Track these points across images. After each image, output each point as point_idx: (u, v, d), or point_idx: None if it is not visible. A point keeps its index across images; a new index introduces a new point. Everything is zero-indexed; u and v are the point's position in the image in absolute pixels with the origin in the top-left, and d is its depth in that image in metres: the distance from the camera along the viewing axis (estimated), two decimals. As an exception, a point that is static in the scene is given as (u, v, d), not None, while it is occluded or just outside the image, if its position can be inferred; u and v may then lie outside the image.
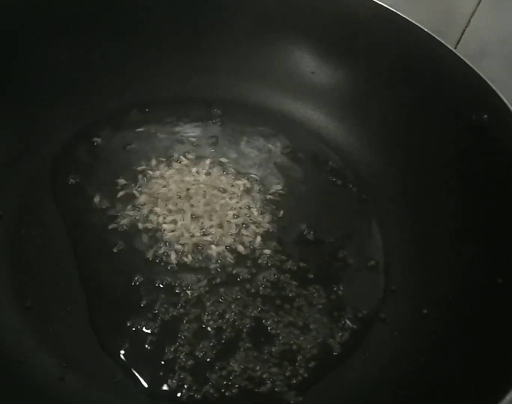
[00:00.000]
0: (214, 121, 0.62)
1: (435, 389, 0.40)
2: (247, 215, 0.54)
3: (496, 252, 0.45)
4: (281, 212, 0.55)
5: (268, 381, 0.43)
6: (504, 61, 0.73)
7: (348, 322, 0.47)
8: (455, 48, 0.77)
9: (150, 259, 0.49)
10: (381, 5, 0.57)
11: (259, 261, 0.50)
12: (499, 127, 0.49)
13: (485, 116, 0.50)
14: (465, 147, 0.52)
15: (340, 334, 0.47)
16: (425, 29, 0.56)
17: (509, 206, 0.46)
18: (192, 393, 0.42)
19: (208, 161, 0.58)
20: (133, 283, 0.47)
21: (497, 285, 0.43)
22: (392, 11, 0.56)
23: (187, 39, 0.63)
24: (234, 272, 0.49)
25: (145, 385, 0.42)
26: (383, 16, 0.56)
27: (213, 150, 0.59)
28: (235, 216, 0.53)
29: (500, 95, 0.50)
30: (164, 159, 0.57)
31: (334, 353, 0.45)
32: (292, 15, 0.61)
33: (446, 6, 0.69)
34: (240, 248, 0.51)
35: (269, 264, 0.50)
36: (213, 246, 0.50)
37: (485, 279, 0.44)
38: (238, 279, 0.49)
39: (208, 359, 0.43)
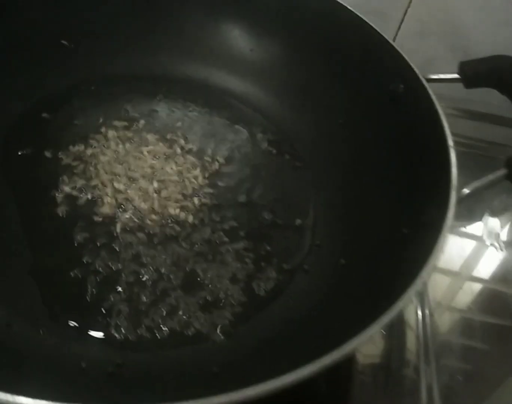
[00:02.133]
0: (158, 97, 0.66)
1: (346, 328, 0.45)
2: (185, 180, 0.58)
3: (405, 207, 0.50)
4: (219, 178, 0.59)
5: (196, 324, 0.47)
6: (444, 39, 0.78)
7: (273, 272, 0.52)
8: (399, 28, 0.82)
9: (94, 222, 0.53)
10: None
11: (196, 222, 0.55)
12: (413, 96, 0.54)
13: (402, 86, 0.55)
14: (385, 114, 0.57)
15: (265, 283, 0.51)
16: (352, 9, 0.60)
17: (419, 165, 0.51)
18: (128, 335, 0.46)
19: (152, 135, 0.62)
20: (75, 243, 0.51)
21: (402, 235, 0.48)
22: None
23: (133, 19, 0.67)
24: (171, 232, 0.53)
25: (86, 330, 0.46)
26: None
27: (157, 125, 0.63)
28: (172, 182, 0.57)
29: (413, 67, 0.55)
30: (107, 132, 0.61)
31: (259, 299, 0.50)
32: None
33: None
34: (177, 212, 0.55)
35: (204, 224, 0.54)
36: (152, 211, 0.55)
37: (393, 233, 0.49)
38: (174, 238, 0.53)
39: (143, 307, 0.48)
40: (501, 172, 0.46)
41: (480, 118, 0.78)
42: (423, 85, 0.53)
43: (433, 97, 0.51)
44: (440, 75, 0.54)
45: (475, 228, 0.67)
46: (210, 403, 0.31)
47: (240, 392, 0.31)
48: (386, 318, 0.36)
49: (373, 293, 0.44)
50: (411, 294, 0.37)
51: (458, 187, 0.44)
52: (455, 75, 0.54)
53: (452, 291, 0.61)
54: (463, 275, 0.63)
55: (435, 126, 0.49)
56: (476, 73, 0.51)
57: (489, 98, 0.64)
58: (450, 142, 0.47)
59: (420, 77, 0.54)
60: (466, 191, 0.45)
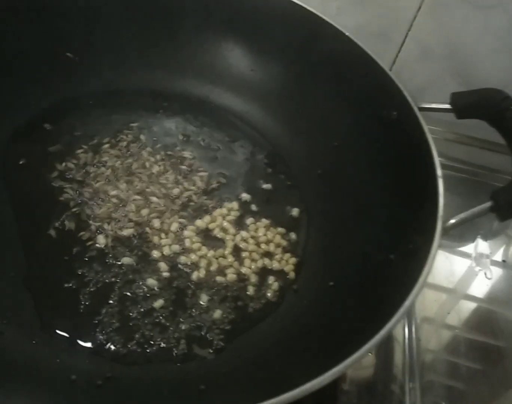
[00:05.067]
0: (159, 113, 0.68)
1: (334, 350, 0.46)
2: (182, 196, 0.59)
3: (393, 234, 0.51)
4: (216, 194, 0.61)
5: (186, 341, 0.48)
6: (444, 62, 0.79)
7: (264, 292, 0.53)
8: (399, 51, 0.83)
9: (89, 234, 0.54)
10: (310, 11, 0.64)
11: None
12: (405, 123, 0.56)
13: (394, 113, 0.57)
14: (378, 140, 0.58)
15: (255, 302, 0.52)
16: (346, 33, 0.62)
17: (407, 192, 0.53)
18: (118, 348, 0.47)
19: (151, 151, 0.64)
20: (71, 254, 0.52)
21: (389, 261, 0.49)
22: (317, 15, 0.63)
23: (136, 35, 0.68)
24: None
25: (77, 341, 0.47)
26: (306, 19, 0.63)
27: (155, 139, 0.65)
28: (169, 197, 0.59)
29: (406, 95, 0.56)
30: (107, 144, 0.63)
31: (249, 318, 0.51)
32: (232, 16, 0.67)
33: (389, 10, 0.75)
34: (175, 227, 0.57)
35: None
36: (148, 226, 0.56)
37: (380, 258, 0.50)
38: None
39: (134, 321, 0.49)
40: (486, 205, 0.47)
41: (472, 143, 0.79)
42: (415, 114, 0.54)
43: (424, 127, 0.53)
44: (432, 104, 0.55)
45: (467, 248, 0.68)
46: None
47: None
48: (372, 344, 0.37)
49: (360, 316, 0.45)
50: (396, 320, 0.39)
51: (445, 217, 0.46)
52: (447, 106, 0.55)
53: (440, 308, 0.62)
54: (452, 293, 0.64)
55: (425, 155, 0.51)
56: (466, 105, 0.53)
57: (481, 125, 0.65)
58: (439, 172, 0.49)
59: (413, 105, 0.55)
60: (452, 221, 0.46)
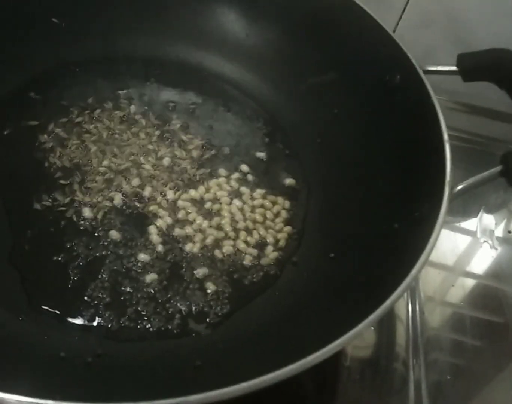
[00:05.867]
0: (150, 81, 0.65)
1: (334, 324, 0.44)
2: (174, 166, 0.57)
3: (397, 202, 0.49)
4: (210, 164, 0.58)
5: (181, 316, 0.46)
6: (445, 30, 0.77)
7: (262, 264, 0.51)
8: (400, 18, 0.81)
9: (78, 205, 0.52)
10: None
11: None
12: (409, 87, 0.53)
13: (398, 76, 0.54)
14: (381, 106, 0.56)
15: (252, 274, 0.50)
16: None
17: (412, 158, 0.50)
18: (109, 325, 0.45)
19: (142, 119, 0.61)
20: (59, 227, 0.50)
21: (393, 230, 0.46)
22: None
23: (125, 0, 0.65)
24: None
25: (66, 318, 0.45)
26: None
27: (146, 107, 0.62)
28: (163, 168, 0.56)
29: (411, 57, 0.54)
30: (96, 112, 0.60)
31: (246, 291, 0.49)
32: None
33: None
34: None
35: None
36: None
37: (384, 227, 0.48)
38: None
39: (126, 296, 0.46)
40: (496, 169, 0.44)
41: (478, 112, 0.77)
42: (420, 77, 0.52)
43: (430, 90, 0.50)
44: (438, 67, 0.53)
45: (470, 223, 0.65)
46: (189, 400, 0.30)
47: (220, 391, 0.30)
48: (375, 316, 0.35)
49: (362, 289, 0.43)
50: (401, 291, 0.36)
51: (453, 183, 0.43)
52: (453, 68, 0.52)
53: (444, 286, 0.60)
54: (456, 270, 0.62)
55: (431, 120, 0.48)
56: (475, 66, 0.50)
57: (487, 92, 0.62)
58: (446, 137, 0.46)
59: (418, 68, 0.52)
60: (460, 187, 0.44)
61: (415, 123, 0.50)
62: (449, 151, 0.45)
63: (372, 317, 0.36)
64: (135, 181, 0.54)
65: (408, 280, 0.37)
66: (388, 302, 0.36)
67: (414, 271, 0.37)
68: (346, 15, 0.59)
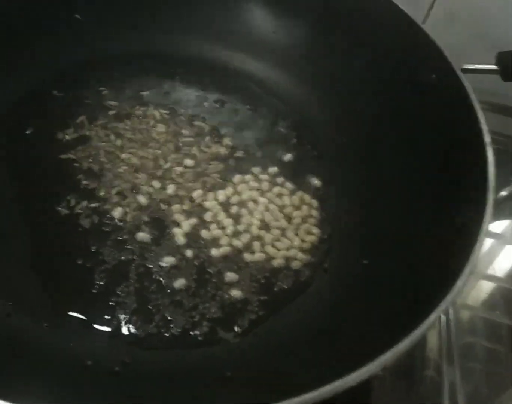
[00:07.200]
0: (175, 78, 0.63)
1: (370, 340, 0.42)
2: (201, 165, 0.55)
3: (435, 207, 0.47)
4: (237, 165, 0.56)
5: (209, 323, 0.45)
6: (473, 27, 0.74)
7: (291, 268, 0.49)
8: (427, 14, 0.78)
9: (101, 208, 0.50)
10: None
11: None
12: (446, 87, 0.51)
13: (433, 75, 0.52)
14: (415, 106, 0.53)
15: (283, 281, 0.48)
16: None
17: (451, 162, 0.48)
18: (136, 332, 0.43)
19: (161, 111, 0.59)
20: (82, 229, 0.48)
21: (431, 236, 0.44)
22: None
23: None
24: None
25: (92, 324, 0.43)
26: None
27: (171, 106, 0.60)
28: (188, 168, 0.55)
29: (446, 54, 0.51)
30: (120, 111, 0.58)
31: (276, 299, 0.47)
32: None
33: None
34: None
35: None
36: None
37: (422, 234, 0.46)
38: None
39: (153, 302, 0.45)
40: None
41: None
42: (457, 76, 0.49)
43: (469, 89, 0.48)
44: (476, 65, 0.50)
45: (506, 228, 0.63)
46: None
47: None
48: (419, 332, 0.33)
49: (398, 300, 0.41)
50: (445, 304, 0.34)
51: (496, 188, 0.41)
52: (493, 66, 0.50)
53: (478, 290, 0.58)
54: (490, 275, 0.59)
55: (471, 121, 0.46)
56: (517, 64, 0.48)
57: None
58: (488, 139, 0.44)
59: (455, 67, 0.50)
60: (503, 193, 0.42)
61: (454, 125, 0.48)
62: (491, 155, 0.43)
63: (412, 336, 0.33)
64: (161, 182, 0.53)
65: (453, 292, 0.35)
66: (432, 316, 0.34)
67: (459, 283, 0.35)
68: (377, 11, 0.57)
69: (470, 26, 0.75)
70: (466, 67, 0.50)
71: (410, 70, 0.54)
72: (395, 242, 0.47)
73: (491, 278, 0.58)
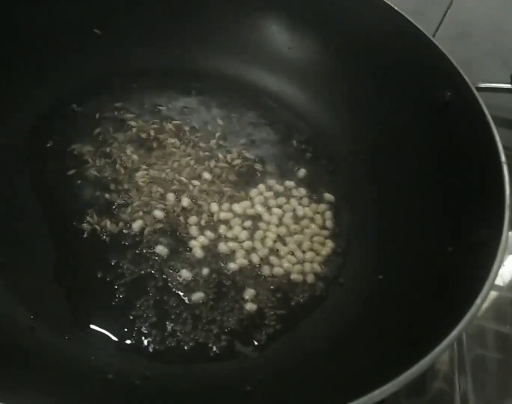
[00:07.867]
0: (191, 93, 0.64)
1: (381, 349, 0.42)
2: (216, 182, 0.56)
3: (451, 224, 0.47)
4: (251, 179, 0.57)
5: (228, 337, 0.45)
6: (484, 42, 0.75)
7: (307, 282, 0.50)
8: (437, 29, 0.79)
9: (121, 222, 0.51)
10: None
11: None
12: (461, 105, 0.51)
13: (448, 93, 0.52)
14: (429, 123, 0.54)
15: (300, 296, 0.49)
16: (395, 8, 0.57)
17: (466, 180, 0.48)
18: (156, 346, 0.44)
19: (178, 126, 0.60)
20: (103, 243, 0.49)
21: (447, 254, 0.45)
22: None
23: (169, 11, 0.65)
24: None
25: (113, 337, 0.44)
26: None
27: (188, 120, 0.61)
28: (205, 181, 0.56)
29: (462, 72, 0.52)
30: (138, 126, 0.59)
31: (293, 313, 0.48)
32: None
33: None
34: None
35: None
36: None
37: (437, 251, 0.46)
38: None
39: (173, 316, 0.46)
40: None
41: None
42: (473, 94, 0.50)
43: (484, 107, 0.49)
44: (492, 84, 0.51)
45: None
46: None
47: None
48: (436, 354, 0.33)
49: (416, 316, 0.42)
50: (465, 322, 0.35)
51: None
52: (508, 85, 0.50)
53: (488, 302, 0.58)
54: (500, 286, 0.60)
55: (486, 139, 0.47)
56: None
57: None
58: (503, 158, 0.44)
59: (470, 84, 0.50)
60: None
61: (469, 143, 0.49)
62: (507, 173, 0.43)
63: (429, 358, 0.34)
64: (177, 195, 0.53)
65: (473, 309, 0.35)
66: (454, 333, 0.34)
67: (478, 301, 0.36)
68: (393, 28, 0.57)
69: (481, 42, 0.76)
70: (481, 86, 0.50)
71: (426, 88, 0.54)
72: (411, 258, 0.48)
73: (501, 289, 0.58)
